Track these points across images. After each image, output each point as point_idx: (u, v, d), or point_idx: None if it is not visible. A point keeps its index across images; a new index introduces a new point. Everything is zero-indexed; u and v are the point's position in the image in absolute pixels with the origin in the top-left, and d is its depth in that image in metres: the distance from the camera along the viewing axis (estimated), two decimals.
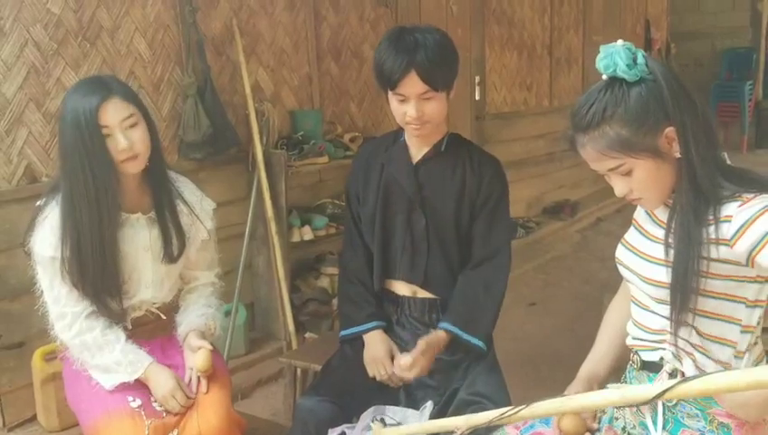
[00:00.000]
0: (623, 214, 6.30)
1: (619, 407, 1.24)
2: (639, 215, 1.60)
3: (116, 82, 1.82)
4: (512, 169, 6.17)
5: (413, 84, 1.84)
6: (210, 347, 1.94)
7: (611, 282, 1.60)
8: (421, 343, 1.94)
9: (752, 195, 1.35)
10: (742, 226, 1.32)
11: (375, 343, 2.06)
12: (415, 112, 1.87)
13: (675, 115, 1.37)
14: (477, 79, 5.66)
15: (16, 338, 2.82)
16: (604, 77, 1.42)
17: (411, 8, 4.85)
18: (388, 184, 2.07)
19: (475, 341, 1.98)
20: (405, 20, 4.52)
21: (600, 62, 1.40)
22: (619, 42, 1.41)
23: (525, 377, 3.31)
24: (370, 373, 2.04)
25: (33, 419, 2.92)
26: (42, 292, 1.88)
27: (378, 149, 2.14)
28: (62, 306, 1.86)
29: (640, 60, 1.39)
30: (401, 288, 2.12)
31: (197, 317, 2.03)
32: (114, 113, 1.75)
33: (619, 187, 1.46)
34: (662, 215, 1.51)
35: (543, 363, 3.47)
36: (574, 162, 7.23)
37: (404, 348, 2.07)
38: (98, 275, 1.81)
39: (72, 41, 2.99)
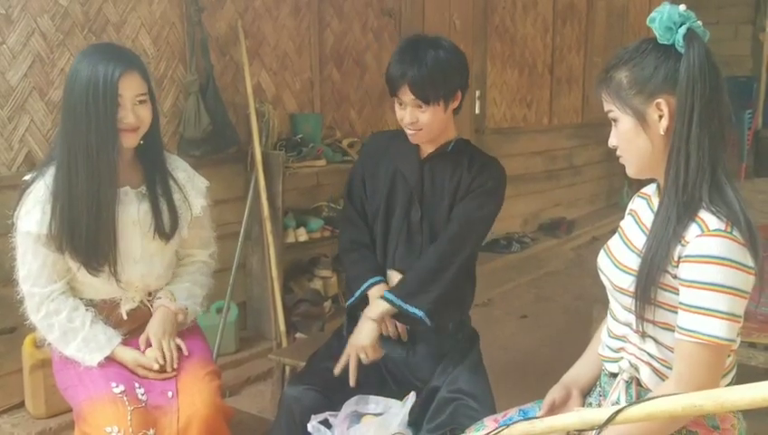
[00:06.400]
0: None
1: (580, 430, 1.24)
2: (626, 222, 1.61)
3: (136, 57, 1.88)
4: (509, 185, 6.10)
5: (406, 94, 1.97)
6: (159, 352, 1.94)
7: (602, 298, 1.63)
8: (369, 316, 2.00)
9: (714, 224, 1.33)
10: (689, 256, 1.34)
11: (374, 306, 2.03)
12: (409, 118, 2.00)
13: (681, 97, 1.35)
14: (478, 93, 5.72)
15: (8, 323, 2.83)
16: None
17: (415, 20, 4.90)
18: (394, 176, 2.12)
19: (413, 310, 1.98)
20: (408, 31, 4.56)
21: (653, 13, 1.39)
22: (682, 6, 1.38)
23: (513, 385, 3.31)
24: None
25: (21, 405, 2.93)
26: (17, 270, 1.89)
27: (389, 140, 2.20)
28: (31, 285, 1.87)
29: (682, 31, 1.36)
30: (395, 279, 2.13)
31: (182, 296, 2.04)
32: (131, 87, 1.81)
33: (611, 135, 1.49)
34: (648, 220, 1.50)
35: (530, 373, 3.48)
36: (571, 181, 7.28)
37: (390, 339, 2.10)
38: (90, 243, 1.83)
39: (78, 33, 3.03)
